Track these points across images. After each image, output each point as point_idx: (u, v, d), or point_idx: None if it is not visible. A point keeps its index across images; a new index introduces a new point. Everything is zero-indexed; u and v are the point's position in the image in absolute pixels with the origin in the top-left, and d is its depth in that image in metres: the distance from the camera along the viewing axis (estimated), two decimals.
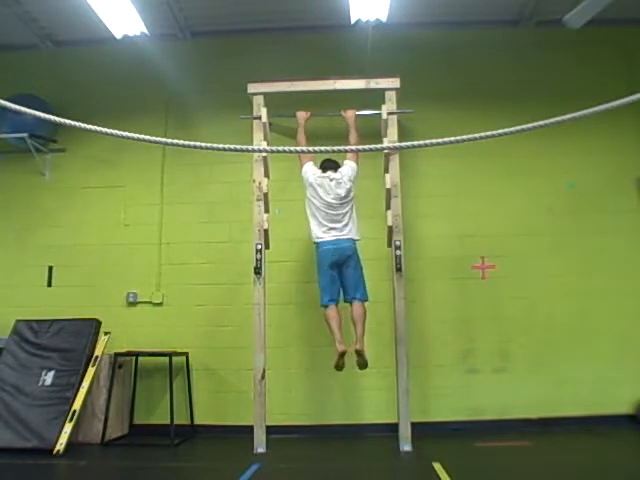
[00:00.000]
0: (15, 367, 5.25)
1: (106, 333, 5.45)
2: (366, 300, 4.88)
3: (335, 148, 3.24)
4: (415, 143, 4.02)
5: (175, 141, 3.12)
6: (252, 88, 5.43)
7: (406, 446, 4.75)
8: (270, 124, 5.55)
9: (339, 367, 4.69)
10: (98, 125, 2.90)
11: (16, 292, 5.91)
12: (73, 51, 6.40)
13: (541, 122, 2.88)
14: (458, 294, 5.70)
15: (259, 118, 5.36)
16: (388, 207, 5.28)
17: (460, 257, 5.74)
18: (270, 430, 4.94)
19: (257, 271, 5.08)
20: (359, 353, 4.64)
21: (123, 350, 5.41)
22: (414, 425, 4.84)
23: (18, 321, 5.55)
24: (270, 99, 5.46)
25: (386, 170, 5.29)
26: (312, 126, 5.50)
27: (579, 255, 5.70)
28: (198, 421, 5.59)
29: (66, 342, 5.35)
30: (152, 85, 6.15)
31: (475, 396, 5.50)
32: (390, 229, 5.20)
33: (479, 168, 5.91)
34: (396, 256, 5.05)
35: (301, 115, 5.41)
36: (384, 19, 5.52)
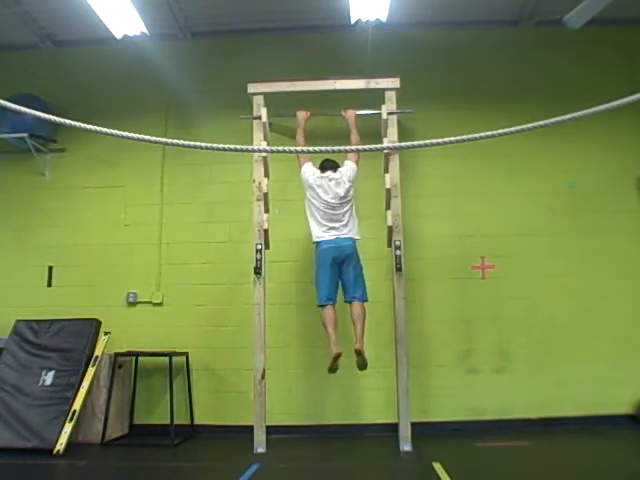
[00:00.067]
0: (15, 367, 5.24)
1: (106, 333, 5.45)
2: (366, 300, 4.87)
3: (335, 148, 3.24)
4: (415, 143, 4.02)
5: (175, 141, 3.12)
6: (252, 88, 5.43)
7: (406, 446, 4.75)
8: (270, 124, 5.56)
9: (333, 370, 4.69)
10: (98, 125, 2.90)
11: (16, 292, 5.91)
12: (73, 51, 6.40)
13: (541, 122, 2.88)
14: (458, 294, 5.70)
15: (259, 118, 5.36)
16: (388, 207, 5.28)
17: (460, 257, 5.74)
18: (270, 430, 4.94)
19: (257, 271, 5.07)
20: (359, 353, 4.63)
21: (123, 350, 5.41)
22: (414, 425, 4.84)
23: (18, 321, 5.55)
24: (270, 99, 5.46)
25: (386, 170, 5.29)
26: (312, 126, 5.50)
27: (579, 255, 5.70)
28: (198, 421, 5.59)
29: (66, 342, 5.35)
30: (152, 85, 6.15)
31: (475, 396, 5.50)
32: (390, 229, 5.20)
33: (479, 168, 5.91)
34: (396, 256, 5.05)
35: (301, 116, 5.41)
36: (384, 19, 5.52)
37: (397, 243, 5.08)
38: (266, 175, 5.35)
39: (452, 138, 2.93)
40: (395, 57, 5.80)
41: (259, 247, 5.13)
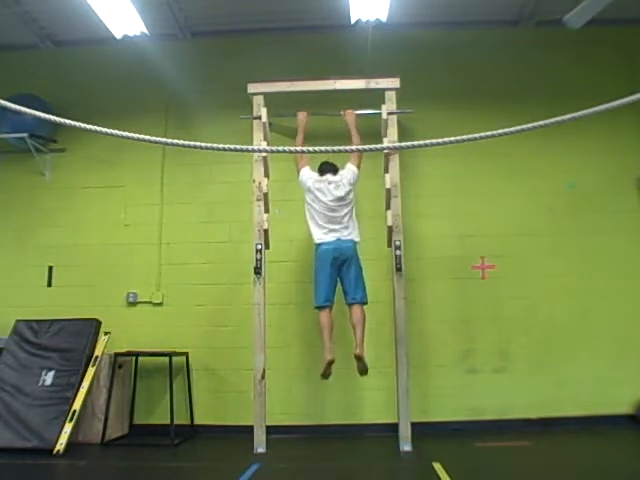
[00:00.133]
0: (15, 367, 5.25)
1: (106, 333, 5.45)
2: (365, 303, 4.86)
3: (335, 148, 3.23)
4: (415, 143, 4.02)
5: (175, 141, 3.12)
6: (252, 88, 5.43)
7: (406, 446, 4.75)
8: (270, 124, 5.56)
9: (326, 376, 4.71)
10: (98, 125, 2.90)
11: (16, 292, 5.91)
12: (73, 51, 6.40)
13: (541, 122, 2.88)
14: (458, 294, 5.70)
15: (259, 118, 5.36)
16: (388, 207, 5.28)
17: (460, 257, 5.75)
18: (270, 430, 4.94)
19: (257, 271, 5.07)
20: (359, 358, 4.63)
21: (123, 350, 5.41)
22: (414, 425, 4.84)
23: (18, 321, 5.55)
24: (270, 99, 5.46)
25: (386, 170, 5.29)
26: (312, 126, 5.50)
27: (579, 255, 5.70)
28: (198, 421, 5.59)
29: (66, 342, 5.35)
30: (152, 85, 6.16)
31: (475, 396, 5.50)
32: (390, 229, 5.20)
33: (479, 168, 5.91)
34: (396, 256, 5.05)
35: (302, 117, 5.40)
36: (384, 19, 5.52)
37: (397, 243, 5.08)
38: (266, 175, 5.35)
39: (452, 138, 2.93)
40: (395, 57, 5.80)
41: (259, 247, 5.13)
